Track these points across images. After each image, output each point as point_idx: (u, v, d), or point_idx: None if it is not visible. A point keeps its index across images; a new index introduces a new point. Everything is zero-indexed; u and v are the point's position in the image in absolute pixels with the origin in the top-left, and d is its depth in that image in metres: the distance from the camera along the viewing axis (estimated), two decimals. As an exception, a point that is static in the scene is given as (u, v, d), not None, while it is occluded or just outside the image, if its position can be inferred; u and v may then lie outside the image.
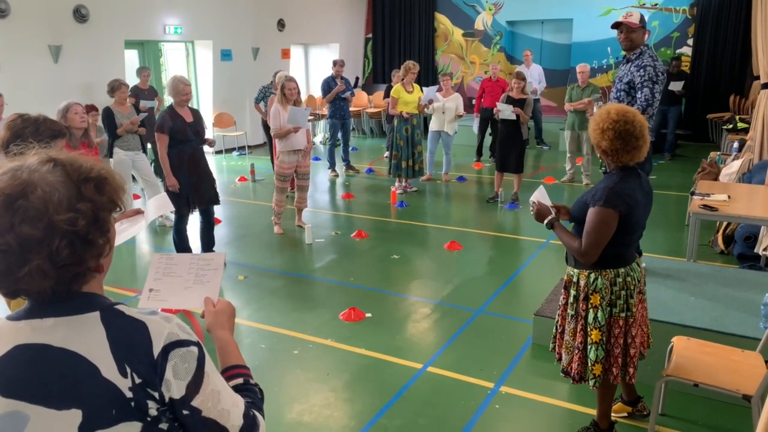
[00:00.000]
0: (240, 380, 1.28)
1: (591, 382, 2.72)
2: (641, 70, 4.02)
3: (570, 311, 2.76)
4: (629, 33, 4.10)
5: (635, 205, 2.58)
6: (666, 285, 3.95)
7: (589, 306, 2.68)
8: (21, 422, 1.03)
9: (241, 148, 11.48)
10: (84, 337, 1.06)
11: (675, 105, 10.14)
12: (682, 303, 3.70)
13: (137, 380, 1.05)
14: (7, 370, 1.05)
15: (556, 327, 2.99)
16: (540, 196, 2.87)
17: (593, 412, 3.21)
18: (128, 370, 1.05)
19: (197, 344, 1.12)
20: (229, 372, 1.29)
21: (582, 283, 2.70)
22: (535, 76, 11.18)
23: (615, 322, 2.68)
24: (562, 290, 2.89)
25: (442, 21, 14.34)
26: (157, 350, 1.07)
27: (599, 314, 2.66)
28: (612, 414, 3.12)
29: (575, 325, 2.75)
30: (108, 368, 1.04)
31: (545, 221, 2.70)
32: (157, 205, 2.68)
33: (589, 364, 2.70)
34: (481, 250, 6.09)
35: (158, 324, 1.10)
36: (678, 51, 11.92)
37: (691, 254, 4.63)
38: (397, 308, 4.67)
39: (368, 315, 4.49)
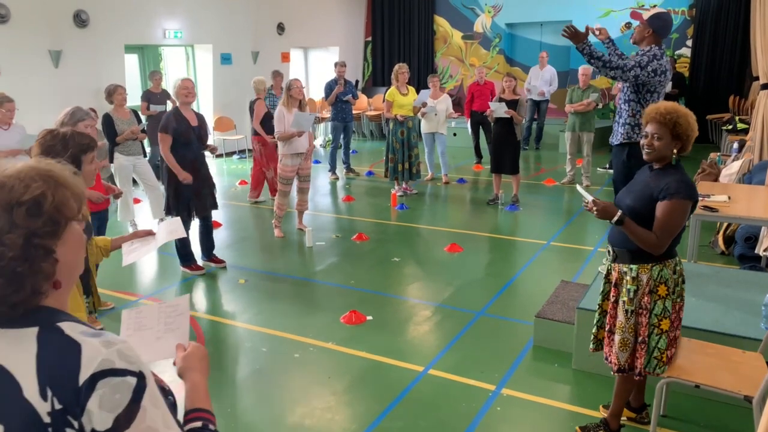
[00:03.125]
0: (198, 423, 1.22)
1: (660, 370, 2.77)
2: (638, 57, 4.23)
3: (629, 307, 2.77)
4: (638, 25, 4.35)
5: (697, 194, 2.73)
6: (667, 286, 3.95)
7: (656, 298, 2.74)
8: None
9: (242, 151, 11.50)
10: (15, 352, 1.02)
11: None
12: (682, 304, 3.70)
13: (57, 406, 0.99)
14: None
15: (599, 326, 3.01)
16: (584, 193, 2.86)
17: (595, 413, 3.21)
18: (49, 393, 0.99)
19: (138, 375, 1.04)
20: (190, 415, 1.24)
21: (644, 277, 2.73)
22: (546, 77, 11.15)
23: (673, 308, 2.78)
24: (611, 288, 2.90)
25: (441, 24, 14.37)
26: (84, 377, 1.00)
27: (667, 303, 2.74)
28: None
29: (637, 320, 2.78)
30: (30, 389, 1.00)
31: (615, 219, 2.69)
32: (170, 230, 2.69)
33: (657, 354, 2.75)
34: (482, 252, 6.09)
35: (94, 348, 1.02)
36: (677, 52, 11.94)
37: (692, 255, 4.64)
38: (398, 311, 4.67)
39: (369, 318, 4.49)
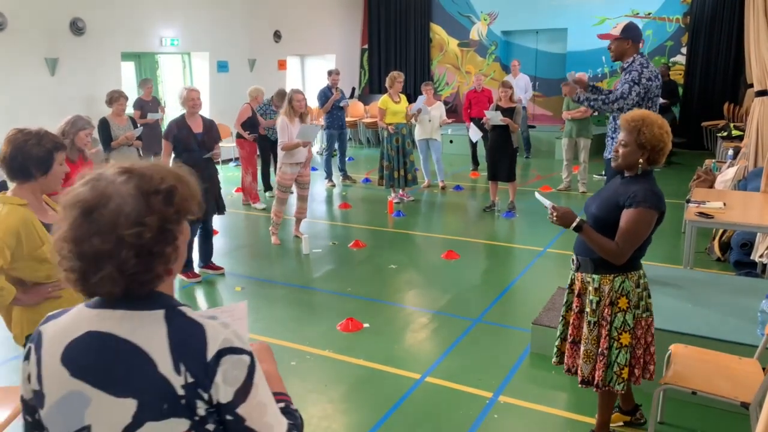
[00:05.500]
0: (282, 405, 1.32)
1: (620, 387, 2.71)
2: (627, 75, 4.24)
3: (590, 318, 2.73)
4: (612, 43, 4.34)
5: (665, 205, 2.66)
6: (663, 293, 3.95)
7: (616, 311, 2.68)
8: (83, 403, 1.11)
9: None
10: (147, 332, 1.13)
11: (666, 113, 10.20)
12: (679, 311, 3.70)
13: (190, 379, 1.10)
14: (78, 353, 1.13)
15: (562, 338, 2.96)
16: (543, 199, 2.81)
17: (591, 420, 3.20)
18: (183, 368, 1.10)
19: (250, 354, 1.16)
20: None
21: (606, 288, 2.69)
22: (521, 85, 11.22)
23: (638, 323, 2.71)
24: (574, 299, 2.85)
25: (438, 31, 14.43)
26: (211, 353, 1.11)
27: (628, 317, 2.68)
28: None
29: (599, 332, 2.73)
30: (164, 365, 1.10)
31: (573, 225, 2.63)
32: None
33: (617, 369, 2.69)
34: (479, 259, 6.09)
35: (215, 329, 1.14)
36: (672, 59, 12.01)
37: (688, 262, 4.65)
38: (395, 318, 4.67)
39: (366, 325, 4.48)
